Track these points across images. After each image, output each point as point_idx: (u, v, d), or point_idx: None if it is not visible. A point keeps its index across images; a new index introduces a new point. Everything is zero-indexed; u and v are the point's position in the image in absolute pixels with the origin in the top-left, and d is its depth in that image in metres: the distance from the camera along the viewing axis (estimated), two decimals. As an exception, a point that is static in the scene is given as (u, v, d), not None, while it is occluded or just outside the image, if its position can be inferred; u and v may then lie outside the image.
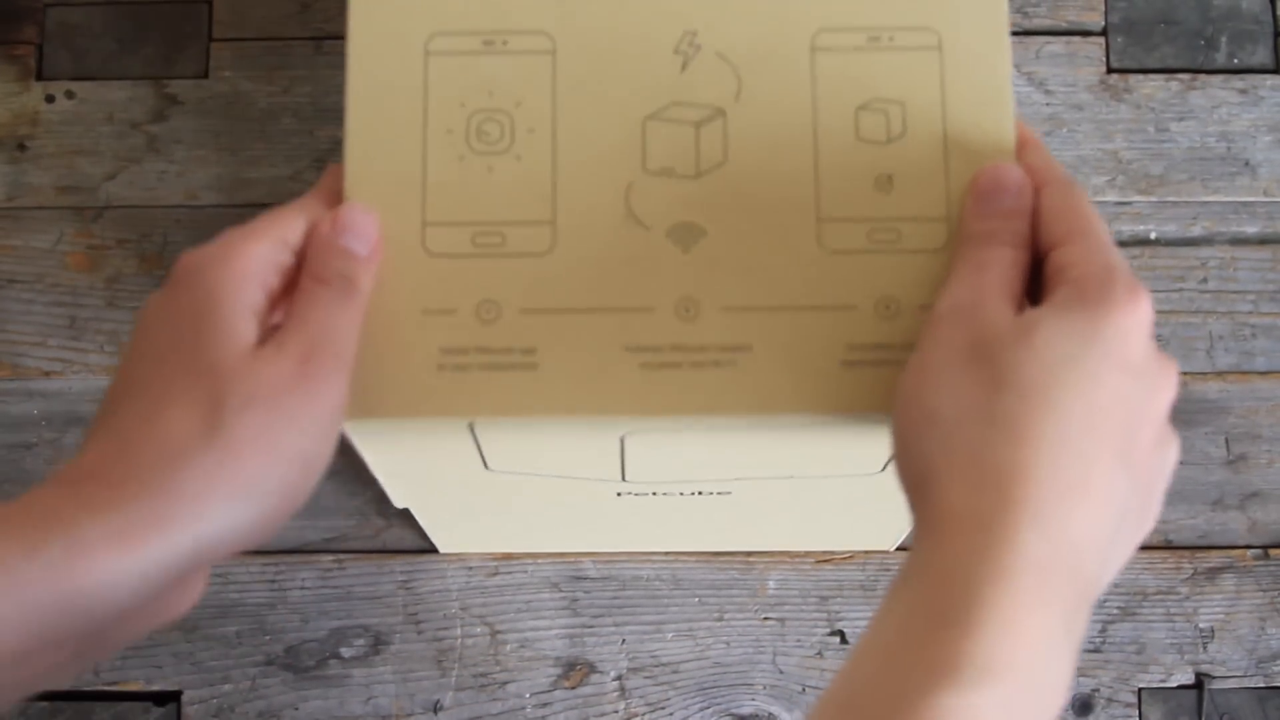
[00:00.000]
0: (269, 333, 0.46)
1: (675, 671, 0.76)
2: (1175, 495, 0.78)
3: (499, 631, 0.76)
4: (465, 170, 0.51)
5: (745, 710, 0.75)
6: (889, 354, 0.50)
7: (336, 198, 0.51)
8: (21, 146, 0.81)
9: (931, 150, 0.51)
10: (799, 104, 0.51)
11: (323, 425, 0.46)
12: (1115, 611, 0.76)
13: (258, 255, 0.47)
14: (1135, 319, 0.44)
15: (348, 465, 0.78)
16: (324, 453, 0.46)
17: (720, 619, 0.76)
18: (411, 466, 0.64)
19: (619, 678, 0.76)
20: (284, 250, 0.48)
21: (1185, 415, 0.78)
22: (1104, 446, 0.43)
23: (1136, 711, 0.75)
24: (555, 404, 0.50)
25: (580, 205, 0.51)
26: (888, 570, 0.77)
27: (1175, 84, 0.82)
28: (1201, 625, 0.76)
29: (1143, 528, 0.46)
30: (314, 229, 0.49)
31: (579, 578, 0.77)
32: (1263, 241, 0.81)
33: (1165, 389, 0.46)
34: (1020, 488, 0.41)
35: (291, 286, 0.48)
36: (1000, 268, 0.47)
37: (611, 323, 0.50)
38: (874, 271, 0.50)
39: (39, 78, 0.82)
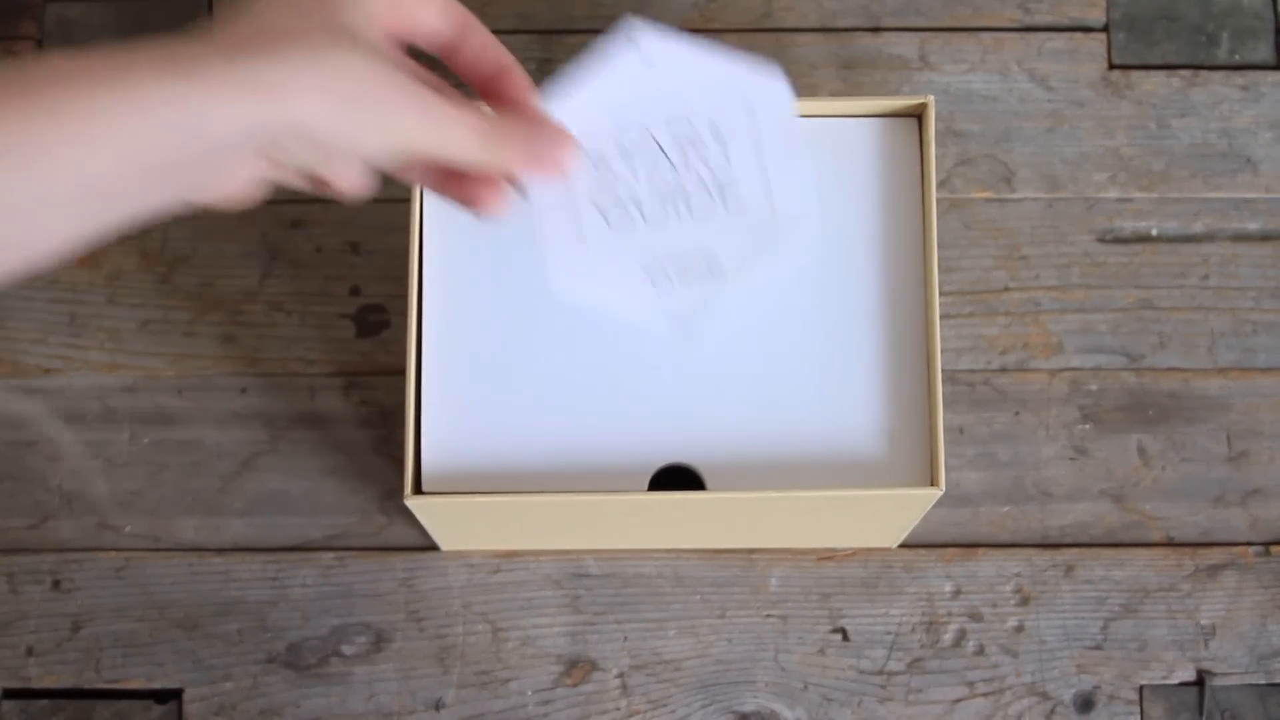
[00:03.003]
0: None
1: (677, 669, 0.76)
2: (1176, 492, 0.78)
3: (501, 629, 0.76)
4: None
5: (747, 707, 0.75)
6: None
7: None
8: (21, 143, 0.81)
9: None
10: None
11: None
12: (1117, 609, 0.76)
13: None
14: None
15: (349, 464, 0.78)
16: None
17: (722, 616, 0.76)
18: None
19: (621, 675, 0.76)
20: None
21: (1187, 412, 0.78)
22: None
23: (1138, 709, 0.75)
24: None
25: None
26: (889, 568, 0.77)
27: (1177, 80, 0.82)
28: (1203, 622, 0.76)
29: None
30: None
31: (581, 575, 0.77)
32: (1264, 238, 0.81)
33: None
34: None
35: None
36: None
37: None
38: None
39: (38, 74, 0.82)
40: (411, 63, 0.50)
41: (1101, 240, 0.80)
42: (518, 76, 0.52)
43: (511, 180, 0.52)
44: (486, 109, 0.52)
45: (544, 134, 0.51)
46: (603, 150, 0.56)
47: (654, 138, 0.56)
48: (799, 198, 0.57)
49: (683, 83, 0.56)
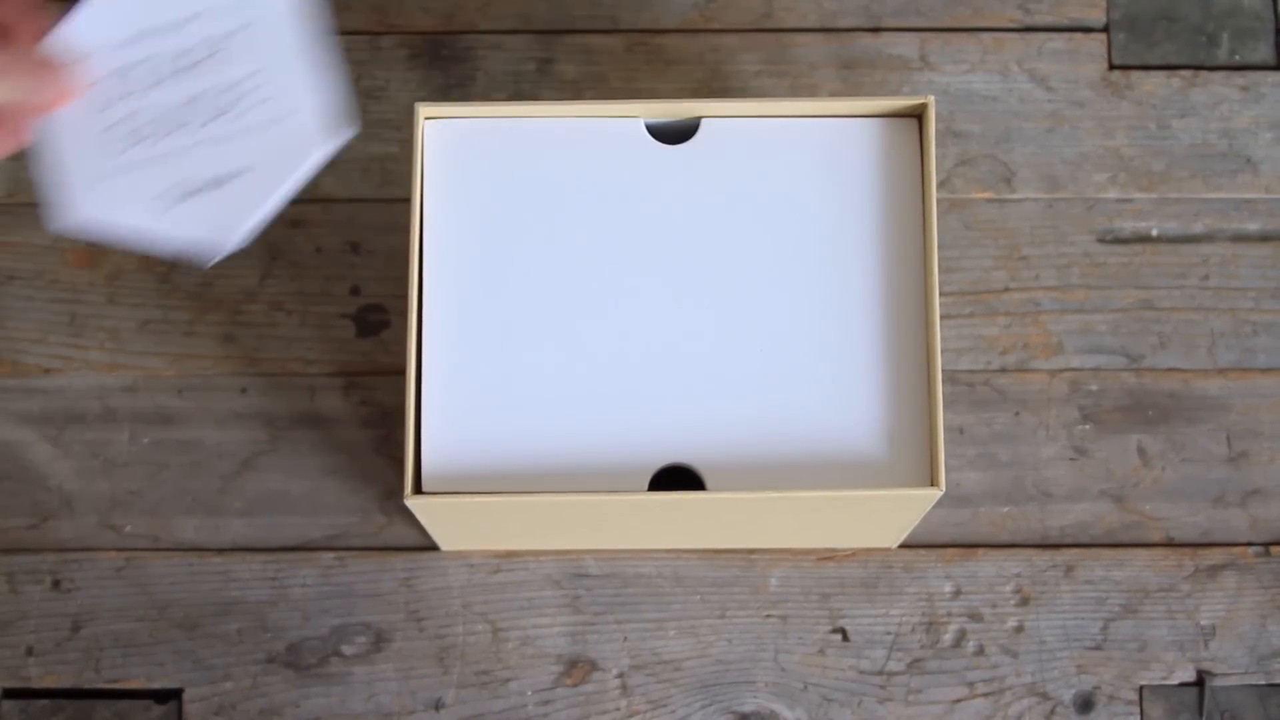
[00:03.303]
0: None
1: (677, 669, 0.76)
2: (1176, 492, 0.78)
3: (501, 629, 0.76)
4: None
5: (747, 708, 0.75)
6: None
7: None
8: (21, 143, 0.81)
9: None
10: None
11: None
12: (1117, 609, 0.76)
13: None
14: None
15: (349, 464, 0.78)
16: None
17: (722, 616, 0.76)
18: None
19: (621, 675, 0.76)
20: None
21: (1187, 412, 0.78)
22: None
23: (1138, 709, 0.75)
24: None
25: None
26: (890, 568, 0.77)
27: (1177, 81, 0.82)
28: (1203, 623, 0.76)
29: None
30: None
31: (581, 575, 0.77)
32: (1264, 238, 0.81)
33: None
34: None
35: None
36: None
37: None
38: None
39: (38, 74, 0.82)
40: None
41: (1101, 240, 0.80)
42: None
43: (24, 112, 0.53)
44: None
45: (49, 65, 0.53)
46: (110, 74, 0.57)
47: (158, 58, 0.57)
48: (296, 97, 0.58)
49: (185, 6, 0.58)
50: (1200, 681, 0.76)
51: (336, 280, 0.79)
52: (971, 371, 0.79)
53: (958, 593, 0.77)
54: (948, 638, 0.76)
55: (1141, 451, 0.78)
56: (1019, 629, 0.76)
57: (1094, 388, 0.79)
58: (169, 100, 0.58)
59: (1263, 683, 0.76)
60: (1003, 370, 0.79)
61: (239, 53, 0.58)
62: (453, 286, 0.64)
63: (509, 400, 0.64)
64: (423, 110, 0.65)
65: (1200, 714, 0.75)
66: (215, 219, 0.58)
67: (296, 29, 0.58)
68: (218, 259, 0.60)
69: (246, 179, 0.59)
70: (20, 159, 0.80)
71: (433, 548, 0.77)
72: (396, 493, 0.77)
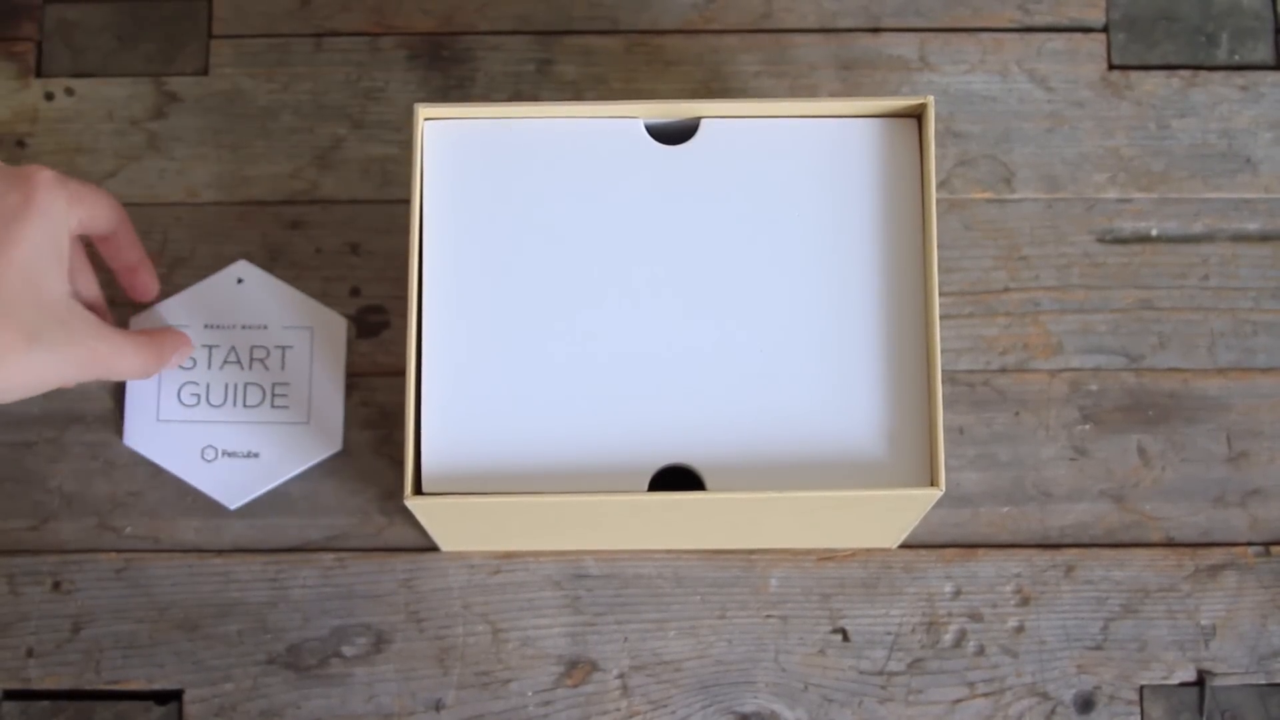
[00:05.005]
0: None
1: (677, 669, 0.76)
2: (1176, 492, 0.78)
3: (501, 630, 0.76)
4: None
5: (747, 708, 0.75)
6: None
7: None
8: (21, 144, 0.81)
9: None
10: None
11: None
12: (1117, 609, 0.76)
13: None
14: None
15: (349, 465, 0.78)
16: None
17: (722, 617, 0.76)
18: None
19: (621, 676, 0.76)
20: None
21: (1187, 412, 0.78)
22: None
23: (1138, 709, 0.75)
24: None
25: None
26: (890, 568, 0.77)
27: (1176, 80, 0.82)
28: (1203, 622, 0.76)
29: None
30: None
31: (581, 576, 0.77)
32: (1264, 238, 0.81)
33: None
34: None
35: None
36: None
37: None
38: None
39: (38, 75, 0.82)
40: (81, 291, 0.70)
41: (1101, 241, 0.80)
42: (145, 274, 0.74)
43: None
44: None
45: (170, 341, 0.72)
46: (200, 347, 0.78)
47: (233, 345, 0.77)
48: (330, 412, 0.77)
49: (267, 309, 0.78)
50: (1200, 681, 0.76)
51: (336, 281, 0.79)
52: (971, 371, 0.79)
53: (958, 593, 0.77)
54: (948, 638, 0.76)
55: (1141, 451, 0.78)
56: (1019, 629, 0.76)
57: (1094, 388, 0.79)
58: (231, 381, 0.77)
59: (1263, 682, 0.76)
60: (1003, 370, 0.79)
61: (284, 362, 0.77)
62: (453, 286, 0.64)
63: (509, 400, 0.64)
64: (422, 111, 0.65)
65: (1200, 714, 0.75)
66: (228, 483, 0.77)
67: (328, 362, 0.77)
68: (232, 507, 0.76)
69: (258, 461, 0.76)
70: (18, 160, 0.80)
71: (433, 549, 0.77)
72: (396, 493, 0.77)
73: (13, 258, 0.60)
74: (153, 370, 0.69)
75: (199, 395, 0.77)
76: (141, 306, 0.78)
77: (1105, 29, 0.83)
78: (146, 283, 0.74)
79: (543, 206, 0.65)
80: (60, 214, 0.63)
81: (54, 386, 0.63)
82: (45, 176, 0.63)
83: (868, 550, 0.77)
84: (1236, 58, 0.83)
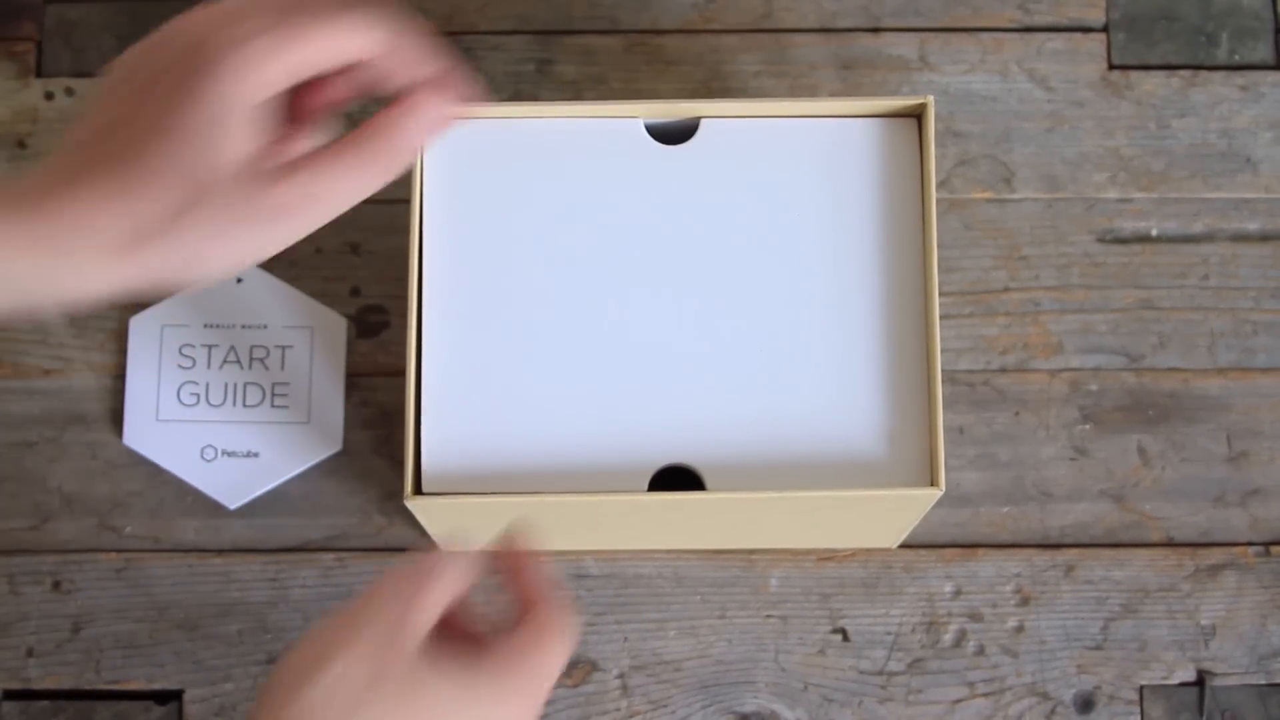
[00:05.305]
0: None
1: (677, 669, 0.76)
2: (1177, 492, 0.78)
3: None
4: None
5: (747, 708, 0.75)
6: None
7: None
8: (21, 144, 0.81)
9: None
10: None
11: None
12: (1117, 609, 0.76)
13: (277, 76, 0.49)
14: None
15: (349, 465, 0.78)
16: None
17: (722, 617, 0.76)
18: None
19: (621, 675, 0.76)
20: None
21: (1187, 412, 0.78)
22: None
23: (1138, 709, 0.75)
24: None
25: None
26: (890, 568, 0.77)
27: (1176, 80, 0.82)
28: (1203, 622, 0.76)
29: None
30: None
31: (581, 575, 0.77)
32: (1264, 238, 0.81)
33: None
34: None
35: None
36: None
37: None
38: None
39: (38, 75, 0.82)
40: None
41: (1101, 240, 0.80)
42: (442, 89, 0.53)
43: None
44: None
45: (384, 135, 0.53)
46: (199, 348, 0.77)
47: (233, 345, 0.77)
48: (330, 412, 0.77)
49: (267, 309, 0.77)
50: (1200, 681, 0.76)
51: (336, 281, 0.79)
52: (971, 371, 0.79)
53: (958, 593, 0.77)
54: (948, 638, 0.76)
55: (1141, 451, 0.78)
56: (1019, 629, 0.76)
57: (1094, 388, 0.79)
58: (230, 380, 0.77)
59: (1263, 682, 0.76)
60: (1003, 370, 0.79)
61: (284, 362, 0.77)
62: (453, 286, 0.64)
63: (509, 400, 0.64)
64: (422, 111, 0.65)
65: (1200, 714, 0.75)
66: (228, 483, 0.76)
67: (328, 362, 0.77)
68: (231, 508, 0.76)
69: (258, 461, 0.76)
70: (18, 160, 0.80)
71: (433, 548, 0.76)
72: (396, 494, 0.77)
73: (168, 127, 0.49)
74: (379, 179, 0.54)
75: (199, 395, 0.77)
76: (142, 306, 0.78)
77: (1105, 29, 0.83)
78: (445, 96, 0.53)
79: (542, 206, 0.65)
80: (242, 72, 0.49)
81: (260, 258, 0.52)
82: (229, 33, 0.50)
83: (868, 550, 0.77)
84: (1236, 58, 0.83)
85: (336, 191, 0.53)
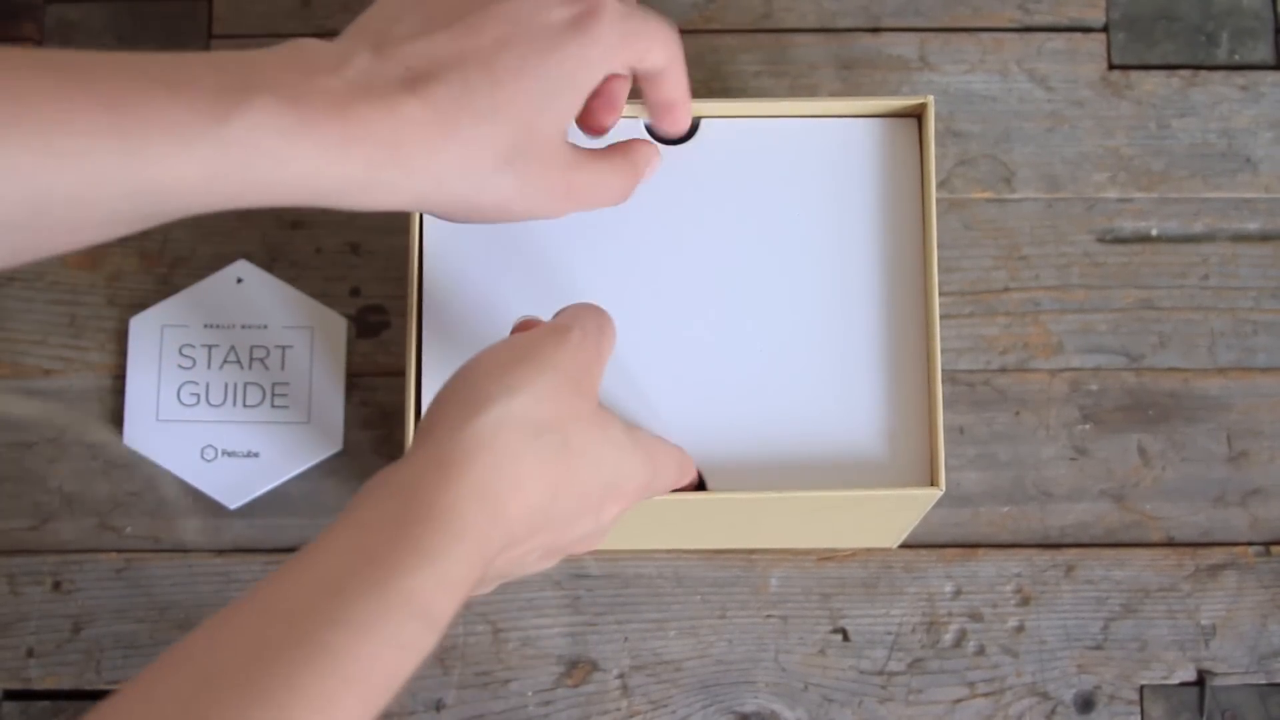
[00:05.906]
0: None
1: (678, 669, 0.76)
2: (1176, 492, 0.78)
3: (501, 629, 0.76)
4: None
5: (748, 708, 0.75)
6: None
7: None
8: (21, 144, 0.81)
9: None
10: None
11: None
12: (1117, 609, 0.76)
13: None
14: None
15: (349, 465, 0.78)
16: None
17: (723, 617, 0.76)
18: None
19: (621, 675, 0.76)
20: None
21: (1187, 412, 0.78)
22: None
23: (1138, 709, 0.75)
24: None
25: None
26: (890, 568, 0.77)
27: (1176, 80, 0.82)
28: (1203, 622, 0.76)
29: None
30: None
31: (581, 575, 0.77)
32: (1264, 238, 0.81)
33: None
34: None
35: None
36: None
37: None
38: None
39: (38, 75, 0.82)
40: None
41: (1101, 240, 0.80)
42: (682, 111, 0.63)
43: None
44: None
45: (642, 154, 0.63)
46: (194, 349, 0.77)
47: (233, 345, 0.77)
48: (330, 412, 0.77)
49: (267, 309, 0.77)
50: (1201, 681, 0.76)
51: (336, 281, 0.79)
52: (971, 371, 0.79)
53: (958, 593, 0.77)
54: (948, 638, 0.76)
55: (1141, 451, 0.78)
56: (1019, 629, 0.76)
57: (1094, 387, 0.79)
58: (231, 380, 0.77)
59: (1263, 682, 0.76)
60: (1003, 370, 0.79)
61: (284, 362, 0.77)
62: (453, 286, 0.64)
63: (509, 400, 0.64)
64: (422, 111, 0.65)
65: (1201, 713, 0.75)
66: (228, 483, 0.76)
67: (328, 362, 0.77)
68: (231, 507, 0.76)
69: (258, 461, 0.76)
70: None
71: (433, 548, 0.76)
72: (397, 493, 0.77)
73: (523, 85, 0.55)
74: (630, 191, 0.62)
75: (199, 395, 0.77)
76: (142, 306, 0.78)
77: (1105, 29, 0.83)
78: (679, 119, 0.63)
79: (543, 206, 0.65)
80: (599, 54, 0.56)
81: (522, 218, 0.58)
82: (608, 9, 0.57)
83: (868, 550, 0.77)
84: (1236, 57, 0.83)
85: (611, 189, 0.60)
